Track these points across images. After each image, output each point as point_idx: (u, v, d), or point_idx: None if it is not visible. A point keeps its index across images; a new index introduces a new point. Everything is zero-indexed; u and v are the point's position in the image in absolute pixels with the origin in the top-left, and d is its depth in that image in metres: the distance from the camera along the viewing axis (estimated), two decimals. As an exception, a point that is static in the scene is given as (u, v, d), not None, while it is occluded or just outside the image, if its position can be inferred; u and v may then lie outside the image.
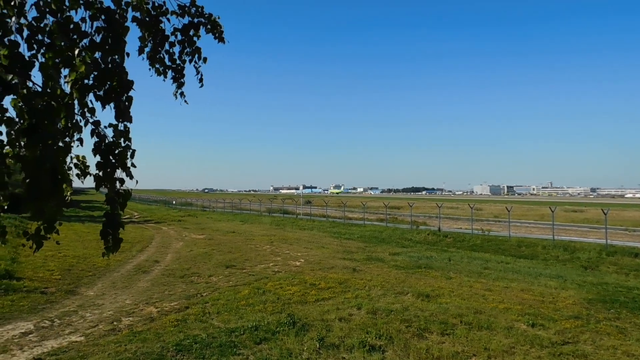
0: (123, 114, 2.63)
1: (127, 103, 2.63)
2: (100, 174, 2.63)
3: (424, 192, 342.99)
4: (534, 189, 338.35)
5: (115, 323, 8.41)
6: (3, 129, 2.60)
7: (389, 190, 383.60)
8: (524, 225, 34.60)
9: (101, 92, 2.57)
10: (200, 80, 3.51)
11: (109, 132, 2.63)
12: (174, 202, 72.19)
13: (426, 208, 58.51)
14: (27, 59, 2.40)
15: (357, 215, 40.75)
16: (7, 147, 2.64)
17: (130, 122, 2.68)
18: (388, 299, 10.38)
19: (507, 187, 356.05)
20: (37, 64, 2.44)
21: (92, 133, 2.56)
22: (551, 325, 8.49)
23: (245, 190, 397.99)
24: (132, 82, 2.62)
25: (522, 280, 13.40)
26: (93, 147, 2.58)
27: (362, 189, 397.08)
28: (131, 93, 2.66)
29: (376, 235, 26.57)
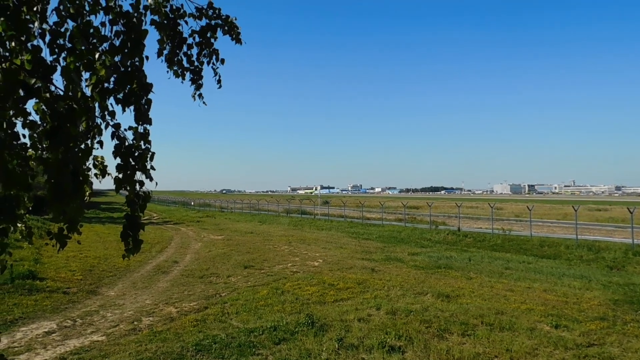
0: (143, 117, 2.65)
1: (146, 106, 2.65)
2: (120, 176, 2.65)
3: (442, 192, 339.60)
4: (556, 188, 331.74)
5: (135, 323, 8.55)
6: (26, 132, 2.65)
7: (407, 190, 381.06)
8: (546, 224, 33.90)
9: (121, 95, 2.59)
10: (219, 81, 3.53)
11: (129, 135, 2.65)
12: (192, 203, 72.86)
13: (445, 208, 57.91)
14: (49, 63, 2.44)
15: (376, 215, 40.58)
16: (30, 149, 2.70)
17: (150, 124, 2.69)
18: (407, 299, 10.30)
19: (528, 186, 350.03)
20: (58, 68, 2.48)
21: (113, 136, 2.58)
22: (576, 327, 8.30)
23: (263, 191, 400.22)
24: (151, 85, 2.64)
25: (544, 280, 13.13)
26: (113, 149, 2.61)
27: (380, 189, 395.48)
28: (150, 96, 2.68)
29: (395, 235, 26.38)
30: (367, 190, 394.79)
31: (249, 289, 11.41)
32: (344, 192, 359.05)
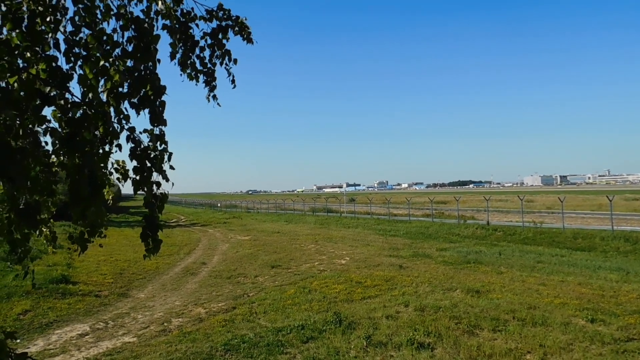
0: (158, 119, 2.70)
1: (160, 108, 2.69)
2: (137, 178, 2.70)
3: (471, 186, 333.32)
4: (589, 178, 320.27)
5: (165, 324, 8.71)
6: (49, 139, 2.73)
7: (435, 185, 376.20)
8: (580, 216, 32.83)
9: (136, 100, 2.64)
10: (233, 81, 3.55)
11: (144, 138, 2.69)
12: (219, 205, 73.59)
13: (474, 202, 56.85)
14: (66, 71, 2.49)
15: (402, 212, 40.16)
16: (53, 156, 2.78)
17: (165, 125, 2.73)
18: (436, 295, 10.16)
19: (560, 176, 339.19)
20: (75, 76, 2.54)
21: (128, 139, 2.63)
22: (613, 321, 7.99)
23: (288, 191, 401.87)
24: (164, 88, 2.68)
25: (579, 273, 12.73)
26: (129, 152, 2.65)
27: (406, 185, 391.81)
28: (165, 98, 2.72)
29: (422, 231, 26.08)
30: (394, 187, 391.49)
31: (276, 289, 11.48)
32: (370, 189, 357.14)
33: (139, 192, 2.78)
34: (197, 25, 3.15)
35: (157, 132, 2.71)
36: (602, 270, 13.17)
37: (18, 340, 7.52)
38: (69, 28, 2.65)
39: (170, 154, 2.80)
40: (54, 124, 2.54)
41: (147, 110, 2.65)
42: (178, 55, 3.12)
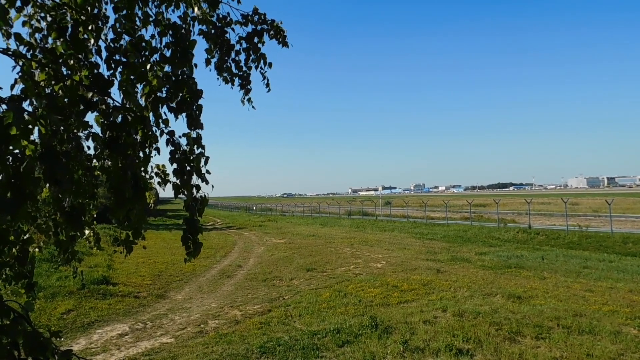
0: (195, 122, 2.73)
1: (197, 112, 2.72)
2: (178, 181, 2.74)
3: (511, 188, 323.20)
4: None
5: (202, 326, 8.87)
6: (91, 143, 2.81)
7: (473, 188, 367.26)
8: (630, 219, 31.17)
9: (174, 104, 2.68)
10: (267, 85, 3.57)
11: (183, 141, 2.73)
12: (254, 208, 74.12)
13: (514, 204, 55.11)
14: (107, 77, 2.57)
15: (440, 215, 39.38)
16: (95, 160, 2.86)
17: (202, 129, 2.76)
18: (475, 300, 9.89)
19: (608, 178, 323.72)
20: (116, 82, 2.61)
21: (167, 142, 2.68)
22: (669, 331, 7.53)
23: (323, 194, 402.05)
24: (201, 92, 2.71)
25: (630, 280, 12.08)
26: (169, 156, 2.69)
27: (443, 188, 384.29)
28: (202, 102, 2.75)
29: (461, 235, 25.48)
30: (431, 189, 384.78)
31: (311, 292, 11.47)
32: (406, 191, 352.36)
33: (179, 196, 2.81)
34: (232, 29, 3.18)
35: (195, 136, 2.75)
36: (655, 277, 12.45)
37: (62, 340, 7.85)
38: (110, 36, 2.73)
39: (207, 157, 2.83)
40: (96, 129, 2.63)
41: (184, 115, 2.69)
42: (214, 60, 3.16)
